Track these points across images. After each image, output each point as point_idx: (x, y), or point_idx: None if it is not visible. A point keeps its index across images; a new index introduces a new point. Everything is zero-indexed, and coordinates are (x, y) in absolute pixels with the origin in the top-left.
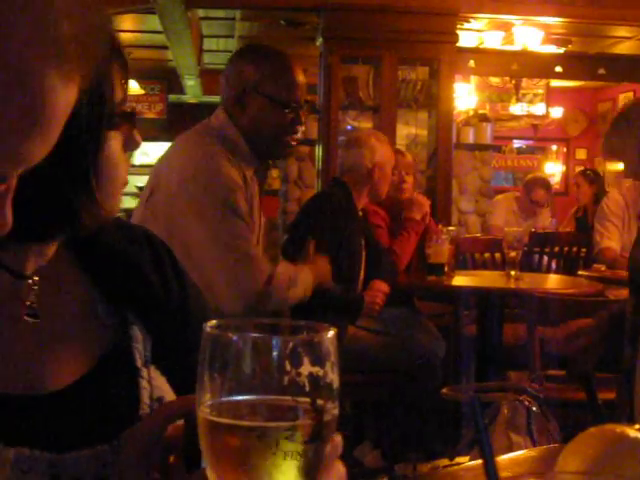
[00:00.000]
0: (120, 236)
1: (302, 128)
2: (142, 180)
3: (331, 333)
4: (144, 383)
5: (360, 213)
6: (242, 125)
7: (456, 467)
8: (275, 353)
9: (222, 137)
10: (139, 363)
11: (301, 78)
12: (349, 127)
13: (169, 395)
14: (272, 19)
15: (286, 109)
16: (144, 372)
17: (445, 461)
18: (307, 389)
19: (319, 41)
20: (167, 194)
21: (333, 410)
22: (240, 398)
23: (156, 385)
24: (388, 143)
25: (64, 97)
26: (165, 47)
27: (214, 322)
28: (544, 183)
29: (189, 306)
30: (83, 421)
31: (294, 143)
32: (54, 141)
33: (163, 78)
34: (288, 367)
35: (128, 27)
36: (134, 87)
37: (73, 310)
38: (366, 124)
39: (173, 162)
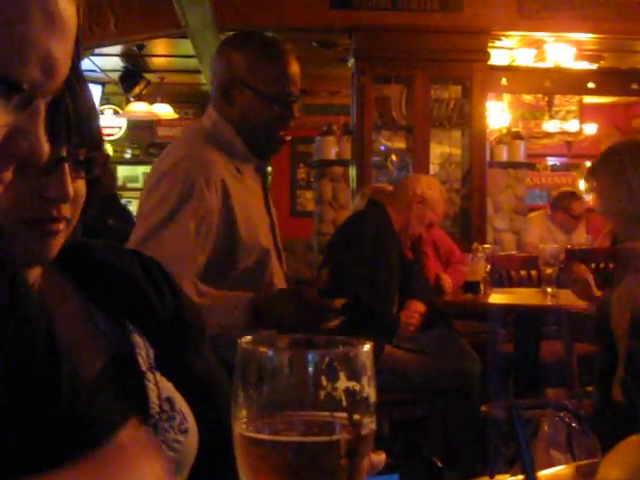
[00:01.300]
0: (112, 255)
1: (293, 122)
2: None
3: (367, 347)
4: (151, 385)
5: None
6: (232, 119)
7: None
8: (311, 368)
9: (214, 137)
10: (144, 367)
11: (294, 68)
12: (382, 147)
13: (177, 397)
14: (304, 40)
15: (274, 103)
16: (149, 375)
17: (485, 479)
18: (344, 404)
19: (351, 62)
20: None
21: (370, 425)
22: (276, 413)
23: (163, 387)
24: (443, 201)
25: (72, 12)
26: (198, 71)
27: (249, 338)
28: (576, 195)
29: (185, 315)
30: (97, 426)
31: (287, 138)
32: (70, 55)
33: (197, 102)
34: (324, 382)
35: (161, 52)
36: (168, 111)
37: (73, 323)
38: (399, 144)
39: (151, 170)
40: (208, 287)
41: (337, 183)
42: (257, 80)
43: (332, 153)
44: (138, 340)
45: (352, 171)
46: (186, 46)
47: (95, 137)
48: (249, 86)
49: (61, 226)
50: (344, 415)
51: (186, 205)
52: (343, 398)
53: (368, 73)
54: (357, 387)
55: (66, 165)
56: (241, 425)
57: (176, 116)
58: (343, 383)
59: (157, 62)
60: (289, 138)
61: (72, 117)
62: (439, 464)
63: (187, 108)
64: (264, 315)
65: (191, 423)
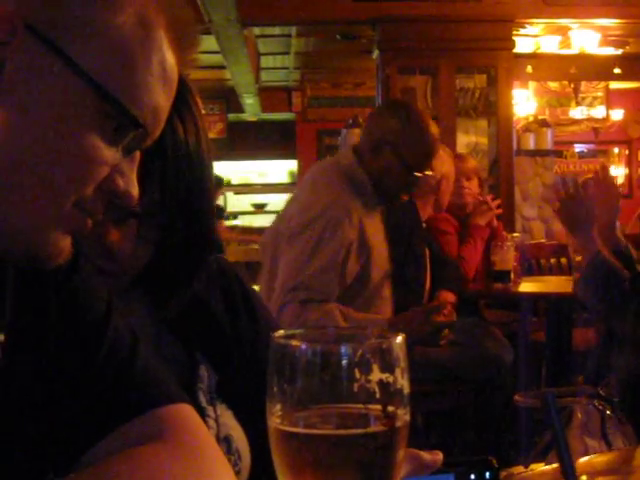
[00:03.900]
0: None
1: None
2: None
3: (399, 339)
4: (211, 422)
5: (424, 224)
6: (369, 169)
7: (530, 472)
8: (344, 361)
9: (348, 176)
10: (204, 403)
11: (436, 151)
12: None
13: (236, 432)
14: (328, 34)
15: (410, 173)
16: (210, 410)
17: (520, 468)
18: (377, 396)
19: (375, 53)
20: (286, 227)
21: (404, 416)
22: (311, 407)
23: (223, 423)
24: (451, 155)
25: (176, 71)
26: (223, 67)
27: (282, 332)
28: None
29: (259, 342)
30: None
31: (405, 198)
32: (169, 107)
33: (222, 97)
34: (358, 374)
35: None
36: None
37: None
38: None
39: (301, 198)
40: (347, 307)
41: None
42: (406, 151)
43: None
44: (203, 372)
45: None
46: (210, 42)
47: (195, 209)
48: (397, 153)
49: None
50: (378, 407)
51: (333, 240)
52: (377, 390)
53: (392, 64)
54: (390, 379)
55: (134, 221)
56: (275, 419)
57: (202, 112)
58: (376, 375)
59: None
60: (406, 199)
61: (162, 175)
62: (495, 464)
63: (212, 104)
64: None
65: (244, 462)
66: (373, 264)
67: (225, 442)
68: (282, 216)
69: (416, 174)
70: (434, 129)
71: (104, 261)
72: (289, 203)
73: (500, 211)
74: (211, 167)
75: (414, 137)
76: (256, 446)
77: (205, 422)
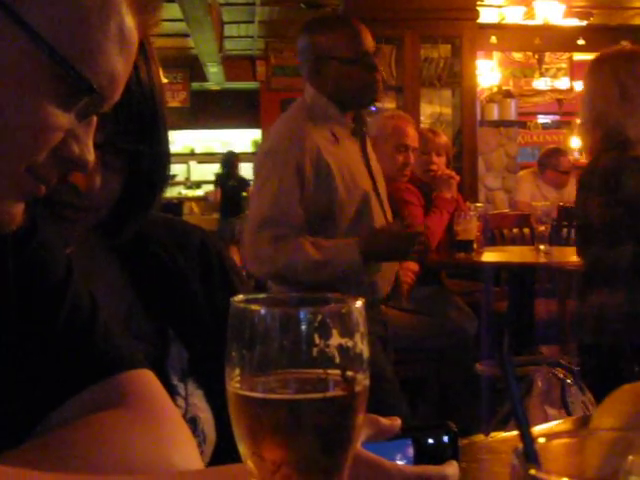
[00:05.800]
0: (172, 243)
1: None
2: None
3: (359, 303)
4: (180, 401)
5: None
6: (327, 91)
7: (491, 439)
8: (303, 326)
9: (312, 110)
10: (175, 380)
11: (363, 33)
12: (373, 108)
13: (203, 413)
14: (292, 2)
15: (357, 64)
16: (180, 388)
17: (481, 437)
18: (337, 360)
19: None
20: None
21: (364, 381)
22: (270, 372)
23: (192, 403)
24: (411, 123)
25: (136, 37)
26: (186, 35)
27: (241, 296)
28: (562, 151)
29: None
30: None
31: (379, 85)
32: (129, 71)
33: (186, 66)
34: (317, 339)
35: None
36: None
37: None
38: (390, 104)
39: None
40: (316, 238)
41: None
42: (338, 51)
43: None
44: (174, 348)
45: None
46: (174, 10)
47: (152, 128)
48: (333, 58)
49: (79, 214)
50: (337, 372)
51: (284, 176)
52: (336, 355)
53: None
54: (350, 343)
55: (97, 153)
56: (235, 384)
57: (165, 81)
58: (336, 340)
59: None
60: (380, 85)
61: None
62: (454, 428)
63: (176, 73)
64: (370, 255)
65: (208, 445)
66: (340, 187)
67: (191, 423)
68: None
69: (370, 69)
70: (353, 19)
71: (75, 198)
72: None
73: (458, 178)
74: (164, 97)
75: (337, 35)
76: (223, 429)
77: (174, 400)
